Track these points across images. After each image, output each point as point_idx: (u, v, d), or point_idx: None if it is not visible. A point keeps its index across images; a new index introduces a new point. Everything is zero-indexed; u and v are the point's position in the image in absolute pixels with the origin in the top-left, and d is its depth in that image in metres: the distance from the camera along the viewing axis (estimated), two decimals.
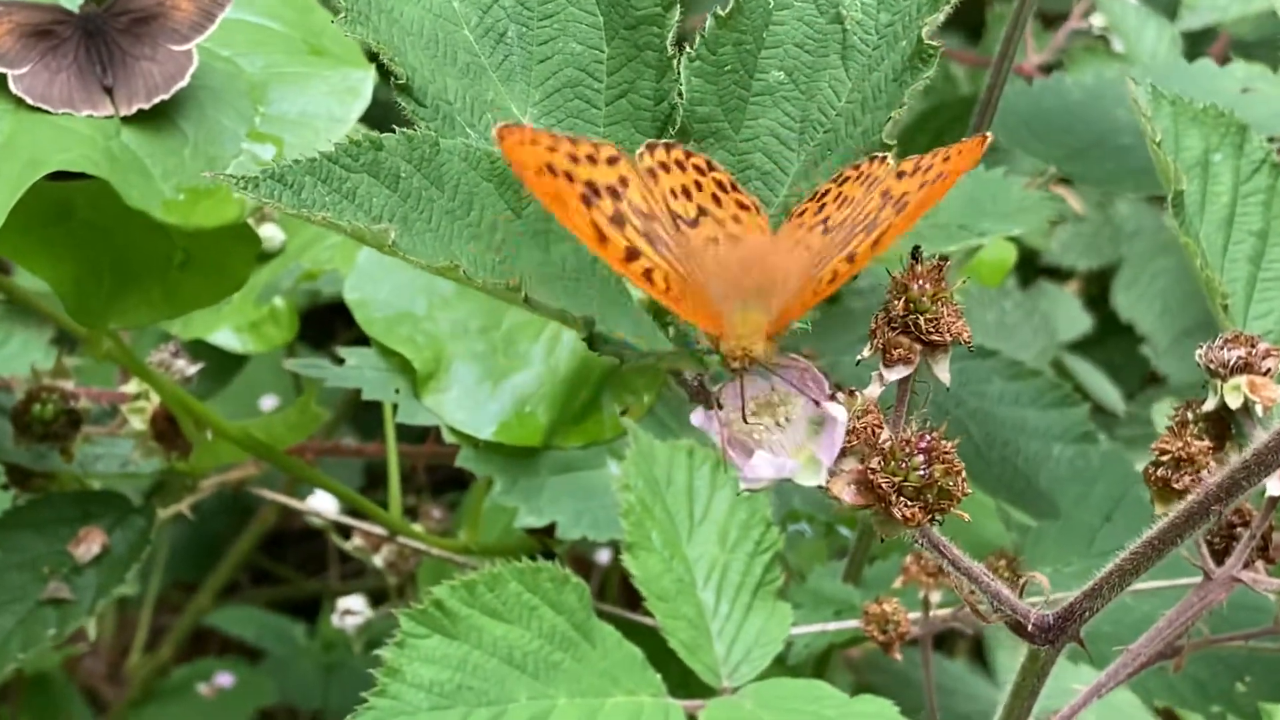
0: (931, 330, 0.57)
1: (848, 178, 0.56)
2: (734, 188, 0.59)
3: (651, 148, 0.58)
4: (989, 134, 0.54)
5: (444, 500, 1.52)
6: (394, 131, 0.58)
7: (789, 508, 1.01)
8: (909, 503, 0.54)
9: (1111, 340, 1.91)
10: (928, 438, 0.54)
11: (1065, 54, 1.58)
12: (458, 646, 0.77)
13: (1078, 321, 1.84)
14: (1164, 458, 0.69)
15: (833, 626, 0.91)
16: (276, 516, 1.49)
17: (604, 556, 1.34)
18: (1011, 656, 1.32)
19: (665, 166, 0.58)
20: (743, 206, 0.59)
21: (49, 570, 0.90)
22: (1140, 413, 1.77)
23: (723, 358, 0.54)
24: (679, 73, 0.62)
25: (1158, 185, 0.97)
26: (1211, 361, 0.71)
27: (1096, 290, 1.97)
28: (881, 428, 0.56)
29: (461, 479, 1.33)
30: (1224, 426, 0.72)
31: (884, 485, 0.54)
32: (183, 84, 0.75)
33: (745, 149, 0.62)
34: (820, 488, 0.55)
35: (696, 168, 0.59)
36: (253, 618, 1.66)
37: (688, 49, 0.63)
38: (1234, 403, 0.70)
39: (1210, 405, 0.71)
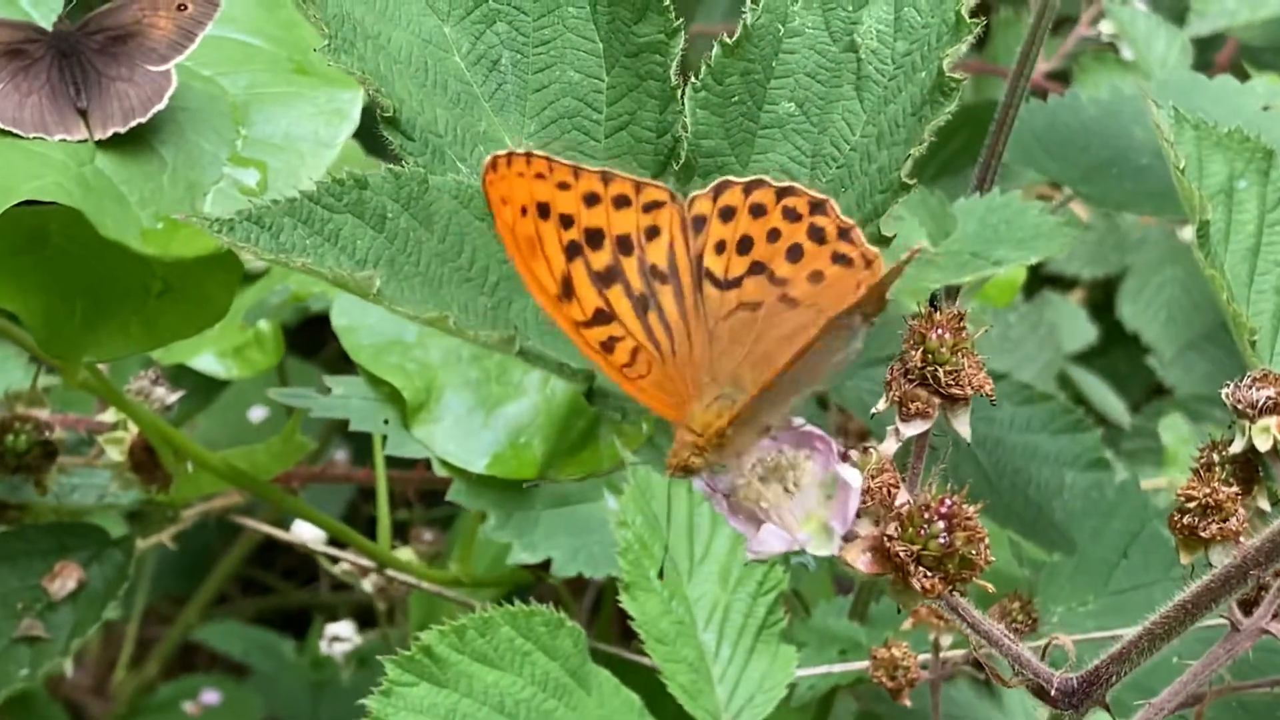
0: (951, 383, 0.54)
1: None
2: (843, 236, 0.53)
3: (721, 189, 0.54)
4: None
5: (435, 513, 1.49)
6: (380, 167, 0.55)
7: None
8: (928, 573, 0.50)
9: (1115, 350, 1.88)
10: (948, 502, 0.51)
11: (1074, 61, 1.55)
12: (447, 695, 0.74)
13: (1083, 332, 1.81)
14: (1190, 504, 0.66)
15: (838, 669, 0.88)
16: None
17: None
18: None
19: (729, 213, 0.53)
20: (841, 259, 0.54)
21: (22, 606, 0.87)
22: (1146, 425, 1.74)
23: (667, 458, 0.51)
24: (683, 104, 0.59)
25: (1178, 207, 0.93)
26: (1239, 402, 0.68)
27: (1100, 298, 1.94)
28: (898, 487, 0.53)
29: None
30: (1252, 469, 0.69)
31: (901, 554, 0.50)
32: (160, 107, 0.71)
33: None
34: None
35: (787, 211, 0.53)
36: (241, 633, 1.63)
37: (692, 79, 0.59)
38: (1263, 445, 0.67)
39: (1238, 447, 0.67)
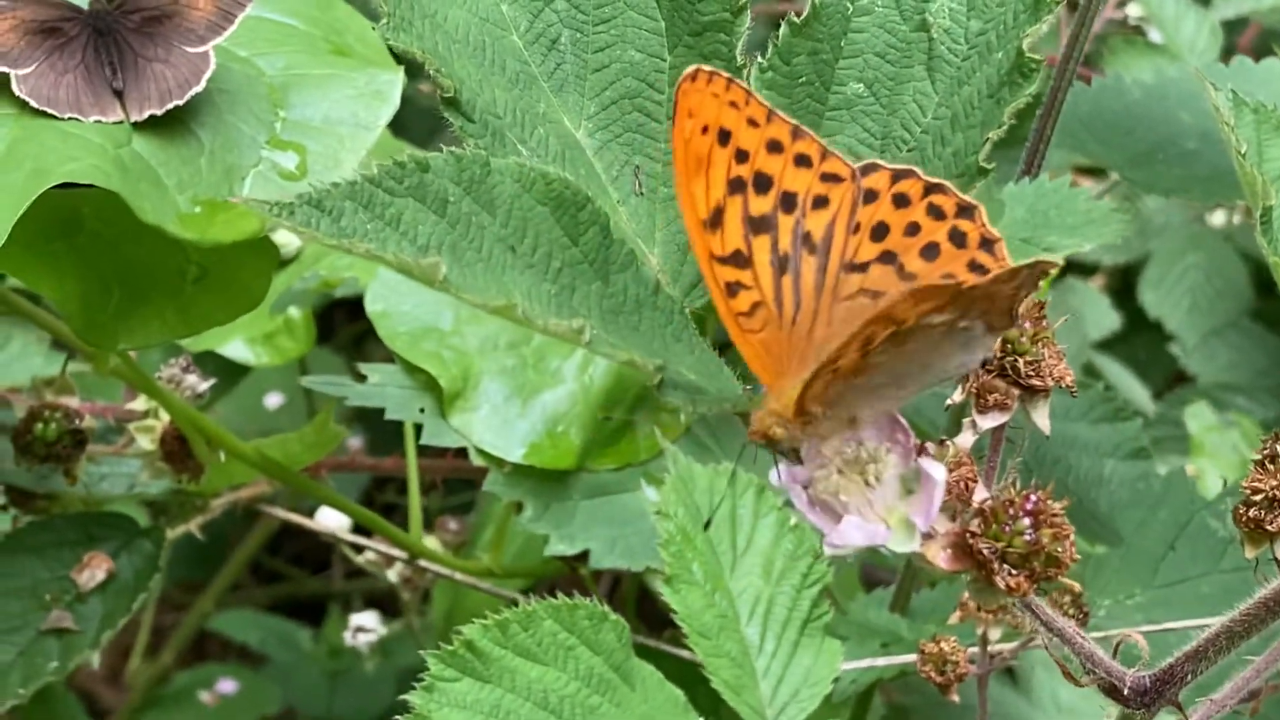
0: (1031, 374, 0.52)
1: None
2: (985, 246, 0.51)
3: (868, 170, 0.52)
4: None
5: (452, 500, 1.47)
6: (440, 151, 0.53)
7: None
8: (1013, 571, 0.49)
9: (1136, 337, 1.86)
10: (1034, 498, 0.49)
11: (1102, 44, 1.53)
12: (490, 690, 0.72)
13: (1106, 319, 1.79)
14: (1256, 497, 0.65)
15: (881, 662, 0.86)
16: None
17: None
18: (1051, 675, 1.27)
19: (871, 196, 0.51)
20: (976, 269, 0.51)
21: (51, 598, 0.85)
22: (1169, 413, 1.72)
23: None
24: (749, 84, 0.57)
25: (1227, 193, 0.92)
26: None
27: (1120, 284, 1.92)
28: (976, 482, 0.51)
29: (475, 477, 1.28)
30: None
31: (985, 551, 0.49)
32: (198, 89, 0.69)
33: None
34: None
35: (932, 208, 0.51)
36: (256, 622, 1.62)
37: (759, 58, 0.57)
38: None
39: None
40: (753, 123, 0.50)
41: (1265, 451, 0.67)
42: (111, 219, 0.69)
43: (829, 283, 0.51)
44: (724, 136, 0.50)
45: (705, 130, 0.50)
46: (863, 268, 0.51)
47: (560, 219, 0.53)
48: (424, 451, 1.04)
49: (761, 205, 0.50)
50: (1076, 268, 1.87)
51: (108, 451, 0.89)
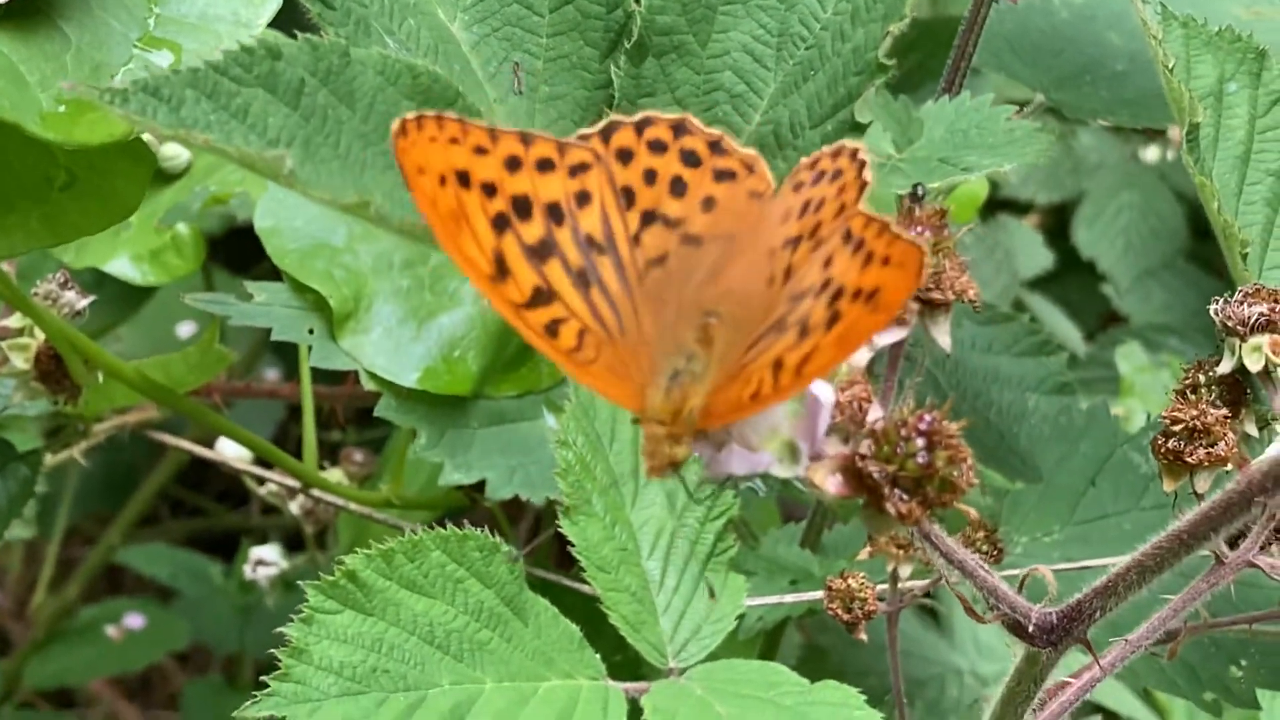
0: (931, 286, 0.49)
1: (821, 171, 0.47)
2: (716, 149, 0.49)
3: (608, 133, 0.49)
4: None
5: (369, 434, 1.43)
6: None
7: None
8: (905, 496, 0.45)
9: (1069, 276, 1.84)
10: (928, 418, 0.45)
11: None
12: (372, 624, 0.69)
13: (1039, 258, 1.77)
14: (1176, 427, 0.62)
15: (790, 599, 0.83)
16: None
17: None
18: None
19: (628, 154, 0.49)
20: (723, 175, 0.49)
21: None
22: (1100, 354, 1.70)
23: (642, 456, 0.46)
24: None
25: (1154, 116, 0.89)
26: (1229, 318, 0.64)
27: (1054, 223, 1.90)
28: (870, 402, 0.47)
29: None
30: (1240, 390, 0.65)
31: (876, 475, 0.45)
32: None
33: (713, 66, 0.53)
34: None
35: (652, 144, 0.49)
36: (167, 556, 1.58)
37: None
38: (1254, 365, 0.63)
39: (1226, 367, 0.64)
40: (480, 150, 0.47)
41: (1187, 381, 0.65)
42: None
43: (631, 274, 0.48)
44: (463, 178, 0.46)
45: (443, 181, 0.46)
46: (635, 241, 0.49)
47: None
48: (334, 379, 1.00)
49: (533, 230, 0.47)
50: (1010, 205, 1.85)
51: None
